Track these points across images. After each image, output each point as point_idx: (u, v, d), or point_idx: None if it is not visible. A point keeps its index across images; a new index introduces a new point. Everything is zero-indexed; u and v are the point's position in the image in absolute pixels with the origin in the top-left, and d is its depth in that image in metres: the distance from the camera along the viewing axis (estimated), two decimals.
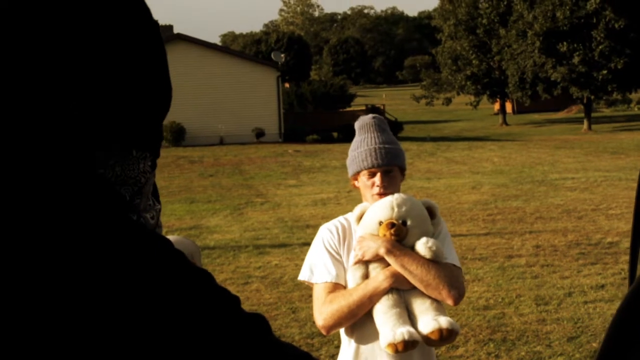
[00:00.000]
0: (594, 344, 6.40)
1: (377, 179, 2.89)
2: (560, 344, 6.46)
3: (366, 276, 2.77)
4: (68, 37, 0.66)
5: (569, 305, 7.57)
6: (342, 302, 2.75)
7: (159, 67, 0.77)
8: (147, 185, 0.78)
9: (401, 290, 2.73)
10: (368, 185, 2.92)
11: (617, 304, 6.69)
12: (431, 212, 2.84)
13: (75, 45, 0.67)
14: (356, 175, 2.97)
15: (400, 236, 2.75)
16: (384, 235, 2.74)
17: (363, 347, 2.82)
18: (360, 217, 2.86)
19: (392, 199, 2.78)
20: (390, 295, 2.71)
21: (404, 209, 2.76)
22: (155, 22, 0.75)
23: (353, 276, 2.78)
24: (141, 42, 0.74)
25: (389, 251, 2.71)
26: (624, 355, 0.78)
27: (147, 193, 0.79)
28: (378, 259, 2.76)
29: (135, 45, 0.73)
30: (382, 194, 2.88)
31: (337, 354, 5.98)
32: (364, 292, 2.72)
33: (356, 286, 2.75)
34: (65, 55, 0.66)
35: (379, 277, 2.73)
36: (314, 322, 6.93)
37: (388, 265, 2.74)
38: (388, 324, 2.66)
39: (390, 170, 2.92)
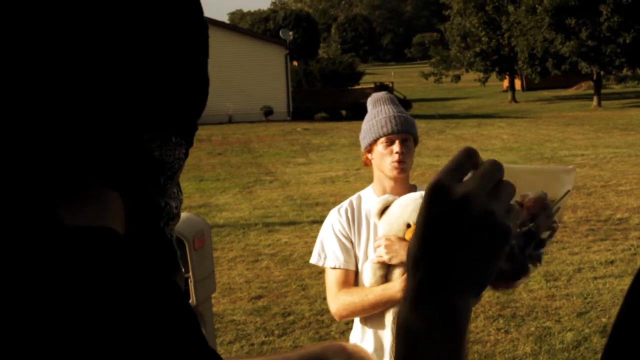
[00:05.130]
0: (604, 319, 6.41)
1: (396, 146, 2.88)
2: (569, 319, 6.48)
3: (386, 277, 2.76)
4: (124, 29, 0.71)
5: (579, 281, 7.58)
6: (357, 299, 2.77)
7: (204, 57, 0.82)
8: (179, 172, 0.81)
9: None
10: (385, 153, 2.89)
11: (626, 280, 6.69)
12: None
13: (133, 35, 0.71)
14: (372, 145, 2.94)
15: None
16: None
17: (371, 333, 2.87)
18: (382, 211, 2.79)
19: (421, 201, 2.72)
20: None
21: None
22: (205, 23, 0.79)
23: (373, 274, 2.76)
24: (193, 37, 0.78)
25: None
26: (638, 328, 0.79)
27: (176, 181, 0.82)
28: (404, 264, 2.72)
29: (188, 40, 0.77)
30: (400, 162, 2.87)
31: (346, 330, 6.02)
32: (380, 297, 2.73)
33: (373, 287, 2.75)
34: (122, 40, 0.71)
35: (396, 286, 2.70)
36: (323, 299, 6.98)
37: None
38: None
39: (407, 139, 2.91)
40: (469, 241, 0.78)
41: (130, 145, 0.71)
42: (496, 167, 0.80)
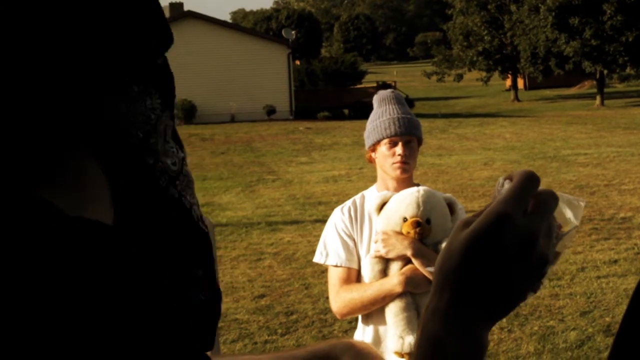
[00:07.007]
0: (607, 319, 6.40)
1: (399, 148, 2.89)
2: (573, 318, 6.47)
3: (384, 271, 2.78)
4: None
5: (582, 280, 7.57)
6: (356, 295, 2.79)
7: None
8: (160, 124, 0.75)
9: (415, 294, 2.74)
10: (388, 155, 2.91)
11: (630, 279, 6.67)
12: (451, 208, 2.80)
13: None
14: (375, 145, 2.97)
15: (423, 235, 2.73)
16: (408, 232, 2.73)
17: (372, 330, 2.87)
18: (380, 207, 2.82)
19: (417, 195, 2.74)
20: (403, 298, 2.72)
21: (429, 206, 2.73)
22: None
23: (372, 269, 2.79)
24: None
25: (416, 254, 2.70)
26: None
27: (162, 133, 0.75)
28: (401, 257, 2.76)
29: None
30: (403, 163, 2.89)
31: (349, 329, 6.03)
32: (378, 292, 2.74)
33: (372, 283, 2.77)
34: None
35: (393, 279, 2.72)
36: (326, 298, 6.97)
37: (409, 262, 2.74)
38: (397, 329, 2.69)
39: (411, 141, 2.93)
40: (515, 270, 0.76)
41: (91, 104, 0.65)
42: (536, 183, 0.78)
